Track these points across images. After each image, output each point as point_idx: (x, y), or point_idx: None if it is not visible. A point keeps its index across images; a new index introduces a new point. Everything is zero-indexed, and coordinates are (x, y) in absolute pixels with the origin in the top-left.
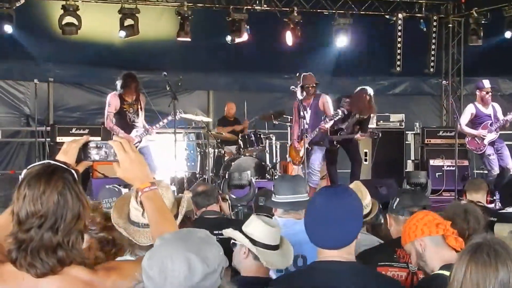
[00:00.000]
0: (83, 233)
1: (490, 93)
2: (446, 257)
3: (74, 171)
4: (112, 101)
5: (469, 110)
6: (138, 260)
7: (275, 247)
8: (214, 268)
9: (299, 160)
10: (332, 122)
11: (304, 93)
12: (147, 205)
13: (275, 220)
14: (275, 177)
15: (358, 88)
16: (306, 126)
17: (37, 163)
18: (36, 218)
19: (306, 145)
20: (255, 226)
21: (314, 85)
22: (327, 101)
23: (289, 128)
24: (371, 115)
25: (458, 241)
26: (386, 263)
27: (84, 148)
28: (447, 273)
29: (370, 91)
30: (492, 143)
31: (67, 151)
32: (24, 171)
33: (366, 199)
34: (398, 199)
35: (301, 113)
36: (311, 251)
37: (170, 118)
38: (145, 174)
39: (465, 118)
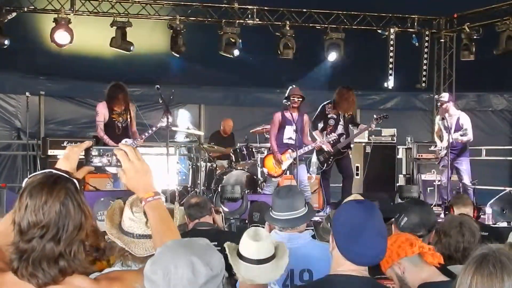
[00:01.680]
0: (85, 243)
1: (443, 104)
2: (425, 276)
3: (76, 180)
4: (100, 110)
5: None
6: (140, 270)
7: (258, 261)
8: (217, 272)
9: (280, 174)
10: (327, 141)
11: (290, 104)
12: (151, 215)
13: (275, 234)
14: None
15: (339, 88)
16: (291, 141)
17: (38, 172)
18: (38, 229)
19: (291, 161)
20: (242, 241)
21: (300, 98)
22: (308, 121)
23: None
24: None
25: (436, 257)
26: (382, 275)
27: (86, 153)
28: None
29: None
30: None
31: (69, 156)
32: (26, 180)
33: None
34: (406, 219)
35: (285, 126)
36: (317, 265)
37: (158, 125)
38: (149, 183)
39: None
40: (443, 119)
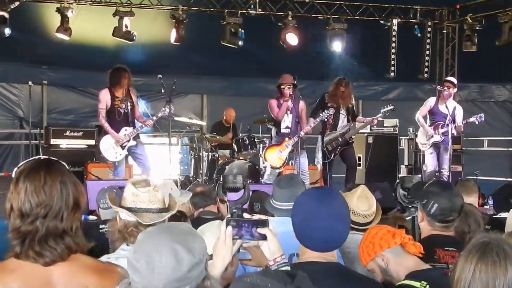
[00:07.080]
0: (81, 221)
1: (445, 88)
2: (409, 265)
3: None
4: (102, 97)
5: (429, 103)
6: None
7: None
8: (200, 259)
9: (282, 164)
10: (314, 124)
11: (281, 95)
12: None
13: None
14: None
15: (336, 79)
16: (289, 130)
17: (26, 161)
18: (41, 208)
19: (289, 149)
20: None
21: (291, 85)
22: (304, 108)
23: None
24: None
25: (417, 246)
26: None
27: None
28: (412, 282)
29: (346, 80)
30: (436, 144)
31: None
32: (15, 170)
33: (373, 207)
34: (436, 205)
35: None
36: None
37: (159, 114)
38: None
39: (424, 109)
40: (441, 104)
